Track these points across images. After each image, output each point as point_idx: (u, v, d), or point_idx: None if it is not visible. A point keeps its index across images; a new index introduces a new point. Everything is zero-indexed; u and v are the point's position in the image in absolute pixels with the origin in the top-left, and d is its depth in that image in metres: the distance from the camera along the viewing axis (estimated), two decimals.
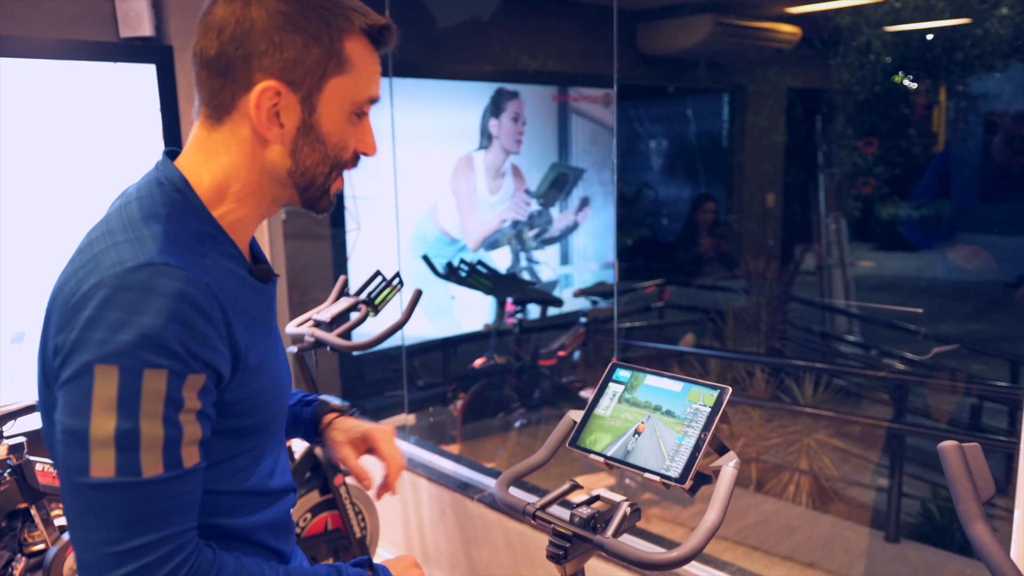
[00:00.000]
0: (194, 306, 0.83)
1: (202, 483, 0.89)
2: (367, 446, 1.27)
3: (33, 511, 2.06)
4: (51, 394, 0.87)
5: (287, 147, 0.93)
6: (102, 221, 0.91)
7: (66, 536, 2.02)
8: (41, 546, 2.12)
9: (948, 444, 0.88)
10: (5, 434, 2.04)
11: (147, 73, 3.03)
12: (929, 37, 4.30)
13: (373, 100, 0.97)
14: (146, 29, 2.92)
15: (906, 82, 4.62)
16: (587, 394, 3.96)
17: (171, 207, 0.90)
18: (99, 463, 0.80)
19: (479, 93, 4.46)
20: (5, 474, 2.02)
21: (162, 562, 0.82)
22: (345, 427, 1.28)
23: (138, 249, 0.84)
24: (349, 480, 2.44)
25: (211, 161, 0.94)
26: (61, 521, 2.14)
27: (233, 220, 0.96)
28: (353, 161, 0.99)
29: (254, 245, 1.06)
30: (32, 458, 2.05)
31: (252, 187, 0.95)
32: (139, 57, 2.99)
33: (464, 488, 2.64)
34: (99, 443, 0.80)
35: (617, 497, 1.31)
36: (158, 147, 3.07)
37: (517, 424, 4.02)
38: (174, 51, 3.02)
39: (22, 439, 2.03)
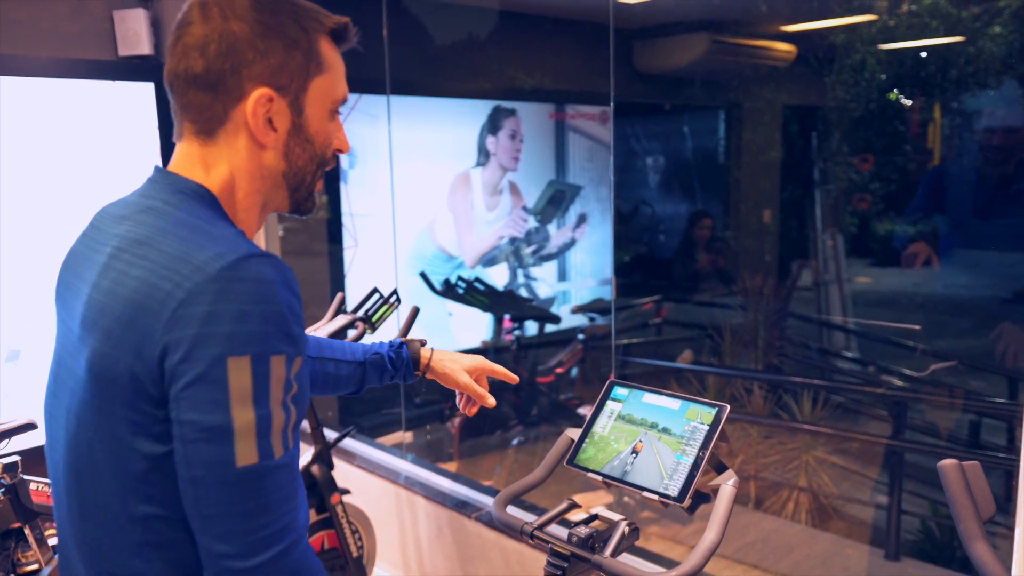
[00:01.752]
0: (292, 290, 0.89)
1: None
2: (478, 374, 1.40)
3: (27, 531, 2.04)
4: (139, 400, 0.86)
5: (280, 150, 0.97)
6: (150, 228, 0.91)
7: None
8: (35, 566, 2.10)
9: (948, 463, 0.88)
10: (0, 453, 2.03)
11: (145, 91, 3.04)
12: (923, 55, 4.33)
13: (346, 100, 1.02)
14: (144, 48, 2.94)
15: (901, 99, 4.65)
16: (585, 411, 3.95)
17: (211, 211, 0.94)
18: (243, 452, 0.84)
19: (476, 110, 4.49)
20: None
21: (297, 542, 0.88)
22: (452, 358, 1.40)
23: (230, 245, 0.87)
24: (346, 499, 2.42)
25: (212, 173, 0.95)
26: (55, 541, 2.12)
27: (244, 228, 1.00)
28: (333, 159, 1.03)
29: None
30: (27, 477, 2.03)
31: (253, 194, 0.98)
32: (137, 75, 3.00)
33: (462, 507, 2.62)
34: (242, 433, 0.83)
35: (615, 516, 1.30)
36: (155, 164, 3.07)
37: (515, 442, 4.00)
38: None
39: (16, 458, 2.01)
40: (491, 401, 1.39)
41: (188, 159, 0.97)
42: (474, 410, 1.42)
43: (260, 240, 3.18)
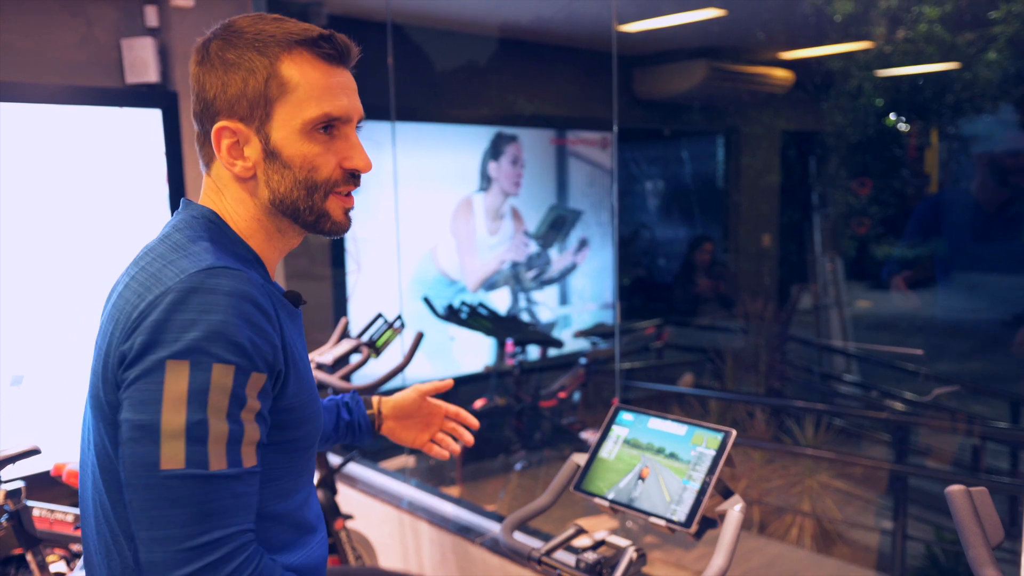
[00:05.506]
0: (255, 304, 0.88)
1: (258, 488, 0.90)
2: (423, 413, 1.37)
3: (29, 557, 2.03)
4: (111, 412, 0.89)
5: (261, 178, 0.98)
6: (146, 252, 0.97)
7: None
8: None
9: (956, 488, 0.88)
10: (3, 479, 2.02)
11: (152, 118, 3.07)
12: (919, 81, 4.38)
13: (329, 116, 0.96)
14: (152, 75, 2.98)
15: (898, 125, 4.69)
16: (587, 435, 3.94)
17: (211, 232, 0.97)
18: (169, 455, 0.83)
19: (478, 137, 4.53)
20: (2, 520, 2.00)
21: (228, 559, 0.84)
22: (394, 416, 1.35)
23: (196, 260, 0.90)
24: (349, 524, 2.41)
25: (219, 203, 1.01)
26: (56, 567, 2.11)
27: (258, 251, 1.01)
28: (345, 179, 1.00)
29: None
30: (30, 503, 2.03)
31: (255, 221, 1.00)
32: (144, 102, 3.04)
33: (465, 532, 2.61)
34: (170, 435, 0.83)
35: (623, 542, 1.30)
36: (162, 190, 3.10)
37: (517, 466, 3.98)
38: (179, 96, 3.07)
39: (20, 484, 2.01)
40: (473, 421, 1.38)
41: (203, 191, 1.03)
42: (457, 446, 1.39)
43: None
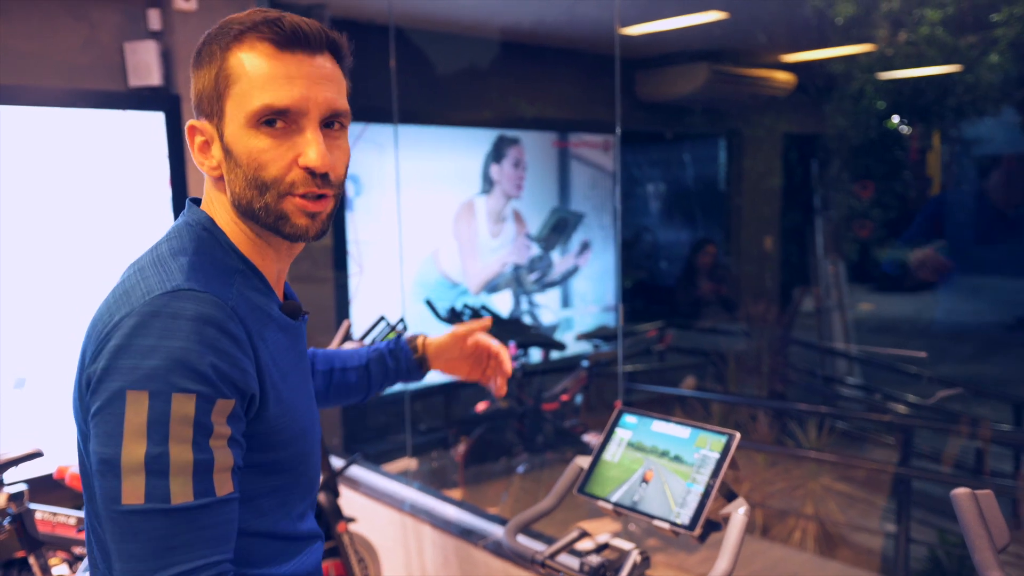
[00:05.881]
0: (220, 328, 0.84)
1: (236, 515, 0.87)
2: (467, 353, 1.37)
3: (31, 560, 2.03)
4: (86, 426, 0.88)
5: (226, 179, 0.94)
6: (134, 262, 0.94)
7: None
8: None
9: (961, 491, 0.88)
10: (6, 482, 2.02)
11: (155, 121, 3.08)
12: (921, 84, 4.38)
13: (270, 107, 0.88)
14: (155, 79, 2.98)
15: (900, 127, 4.69)
16: (590, 438, 3.93)
17: (198, 243, 0.93)
18: (129, 490, 0.80)
19: (481, 139, 4.54)
20: (5, 523, 2.00)
21: None
22: (440, 356, 1.36)
23: (165, 278, 0.87)
24: (352, 527, 2.41)
25: (211, 207, 0.98)
26: (59, 571, 2.11)
27: (251, 257, 0.97)
28: (303, 180, 0.90)
29: (286, 288, 1.07)
30: (33, 506, 2.03)
31: (233, 225, 0.96)
32: (147, 105, 3.04)
33: (467, 535, 2.60)
34: (130, 469, 0.80)
35: (627, 545, 1.30)
36: (165, 193, 3.10)
37: (520, 469, 3.98)
38: (181, 100, 3.08)
39: (23, 487, 2.01)
40: (507, 367, 1.37)
41: (204, 190, 1.01)
42: (503, 382, 1.38)
43: None
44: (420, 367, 1.36)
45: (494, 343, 1.37)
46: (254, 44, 0.89)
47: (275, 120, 0.89)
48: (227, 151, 0.91)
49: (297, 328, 1.02)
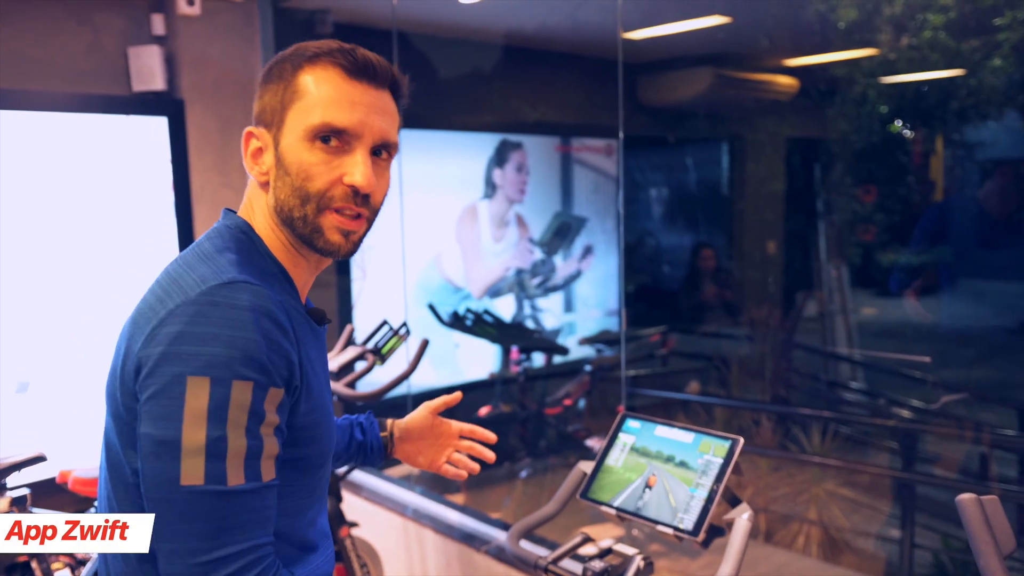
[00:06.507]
0: (273, 320, 0.88)
1: (276, 502, 0.91)
2: (435, 434, 1.33)
3: (34, 564, 2.03)
4: (126, 415, 0.90)
5: (272, 186, 0.99)
6: (178, 259, 0.97)
7: None
8: None
9: (967, 497, 0.87)
10: (9, 486, 2.02)
11: (159, 126, 3.08)
12: (924, 87, 4.38)
13: (330, 125, 0.94)
14: (158, 83, 2.99)
15: (903, 131, 4.69)
16: (593, 443, 3.93)
17: (239, 244, 0.97)
18: (189, 471, 0.84)
19: (483, 144, 4.54)
20: None
21: (242, 572, 0.85)
22: (407, 438, 1.32)
23: (218, 270, 0.91)
24: (354, 532, 2.40)
25: (252, 213, 1.02)
26: (61, 575, 2.11)
27: (285, 263, 1.01)
28: (344, 197, 0.96)
29: (307, 302, 1.10)
30: (36, 510, 2.03)
31: (271, 231, 1.01)
32: (151, 110, 3.05)
33: (470, 539, 2.60)
34: (190, 452, 0.83)
35: (630, 550, 1.29)
36: (168, 198, 3.11)
37: (523, 474, 3.97)
38: (185, 104, 3.09)
39: (26, 491, 2.01)
40: (490, 435, 1.33)
41: (246, 195, 1.05)
42: (474, 465, 1.33)
43: None
44: (384, 448, 1.31)
45: (463, 423, 1.34)
46: (326, 67, 0.96)
47: (330, 138, 0.95)
48: (279, 159, 0.97)
49: (321, 335, 1.06)
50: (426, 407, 1.33)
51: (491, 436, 1.33)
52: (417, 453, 1.33)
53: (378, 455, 1.31)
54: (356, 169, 0.95)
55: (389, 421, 1.33)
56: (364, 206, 0.98)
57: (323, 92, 0.95)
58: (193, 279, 0.90)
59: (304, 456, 0.97)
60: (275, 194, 0.98)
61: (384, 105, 0.99)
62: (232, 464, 0.84)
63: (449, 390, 1.37)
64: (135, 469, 0.91)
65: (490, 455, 1.33)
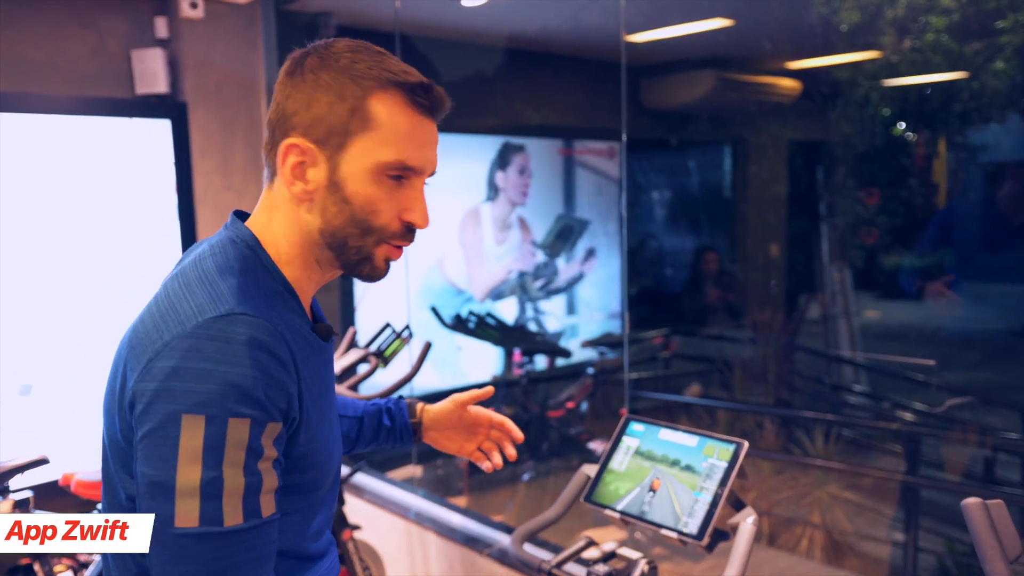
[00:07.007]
0: (271, 353, 0.86)
1: (277, 535, 0.89)
2: (465, 424, 1.30)
3: (36, 567, 2.03)
4: (123, 442, 0.89)
5: (317, 205, 0.94)
6: (177, 274, 0.95)
7: None
8: None
9: (973, 501, 0.87)
10: (11, 488, 2.02)
11: (162, 129, 3.09)
12: (927, 90, 4.37)
13: (403, 164, 0.94)
14: (161, 86, 2.99)
15: (906, 134, 4.68)
16: (595, 446, 3.92)
17: (243, 262, 0.94)
18: (184, 513, 0.81)
19: (486, 146, 4.54)
20: None
21: None
22: (435, 427, 1.30)
23: (216, 299, 0.87)
24: (357, 535, 2.40)
25: (272, 221, 0.98)
26: None
27: (294, 279, 0.98)
28: (401, 233, 0.97)
29: (314, 306, 1.07)
30: (39, 513, 2.03)
31: (296, 247, 0.97)
32: (154, 113, 3.05)
33: (472, 542, 2.59)
34: (184, 493, 0.81)
35: (634, 554, 1.29)
36: (171, 200, 3.11)
37: (525, 476, 3.97)
38: (188, 107, 3.09)
39: (28, 494, 2.01)
40: (519, 434, 1.31)
41: (260, 203, 1.00)
42: (500, 460, 1.31)
43: None
44: (413, 433, 1.30)
45: (495, 415, 1.33)
46: (399, 99, 0.94)
47: (399, 176, 0.95)
48: (336, 184, 0.93)
49: (327, 350, 1.03)
50: (455, 401, 1.30)
51: (520, 435, 1.32)
52: (446, 440, 1.32)
53: (407, 441, 1.31)
54: (417, 207, 0.97)
55: (419, 406, 1.32)
56: (412, 239, 0.99)
57: (399, 128, 0.94)
58: (191, 309, 0.87)
59: (304, 482, 0.95)
60: (325, 217, 0.94)
61: (437, 137, 1.01)
62: (229, 503, 0.82)
63: (452, 392, 1.36)
64: (130, 496, 0.90)
65: (512, 452, 1.32)
